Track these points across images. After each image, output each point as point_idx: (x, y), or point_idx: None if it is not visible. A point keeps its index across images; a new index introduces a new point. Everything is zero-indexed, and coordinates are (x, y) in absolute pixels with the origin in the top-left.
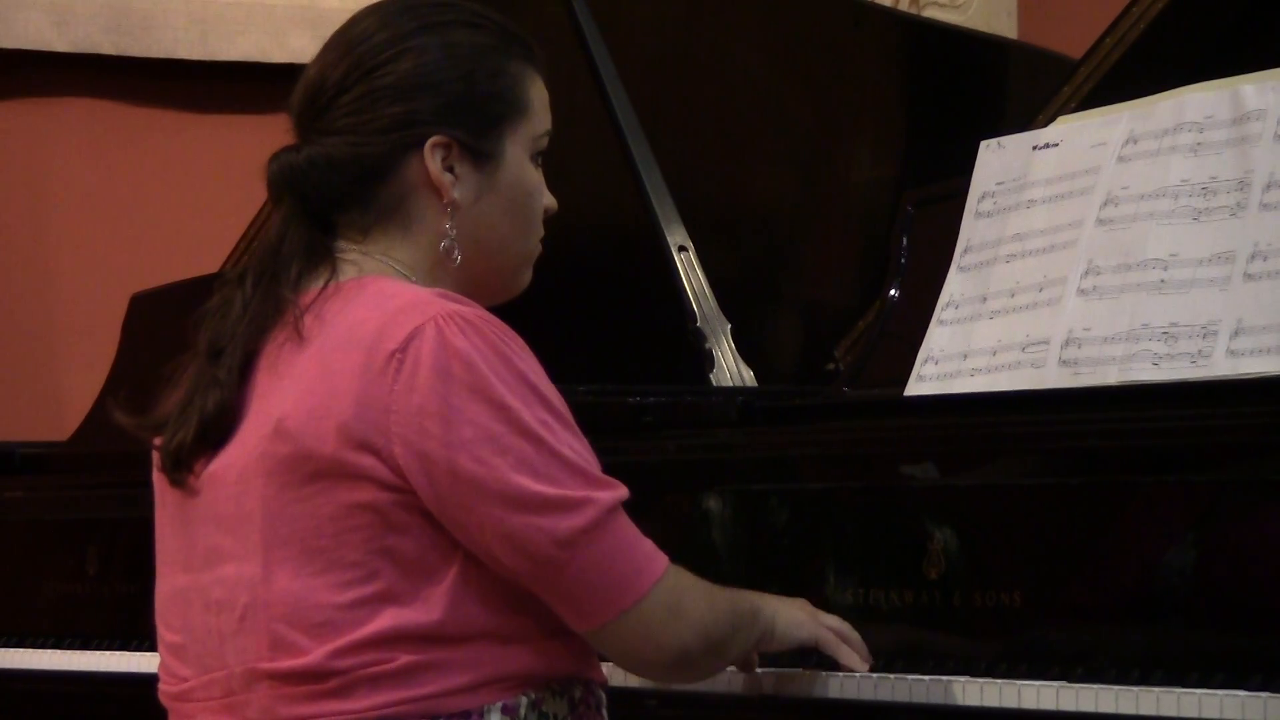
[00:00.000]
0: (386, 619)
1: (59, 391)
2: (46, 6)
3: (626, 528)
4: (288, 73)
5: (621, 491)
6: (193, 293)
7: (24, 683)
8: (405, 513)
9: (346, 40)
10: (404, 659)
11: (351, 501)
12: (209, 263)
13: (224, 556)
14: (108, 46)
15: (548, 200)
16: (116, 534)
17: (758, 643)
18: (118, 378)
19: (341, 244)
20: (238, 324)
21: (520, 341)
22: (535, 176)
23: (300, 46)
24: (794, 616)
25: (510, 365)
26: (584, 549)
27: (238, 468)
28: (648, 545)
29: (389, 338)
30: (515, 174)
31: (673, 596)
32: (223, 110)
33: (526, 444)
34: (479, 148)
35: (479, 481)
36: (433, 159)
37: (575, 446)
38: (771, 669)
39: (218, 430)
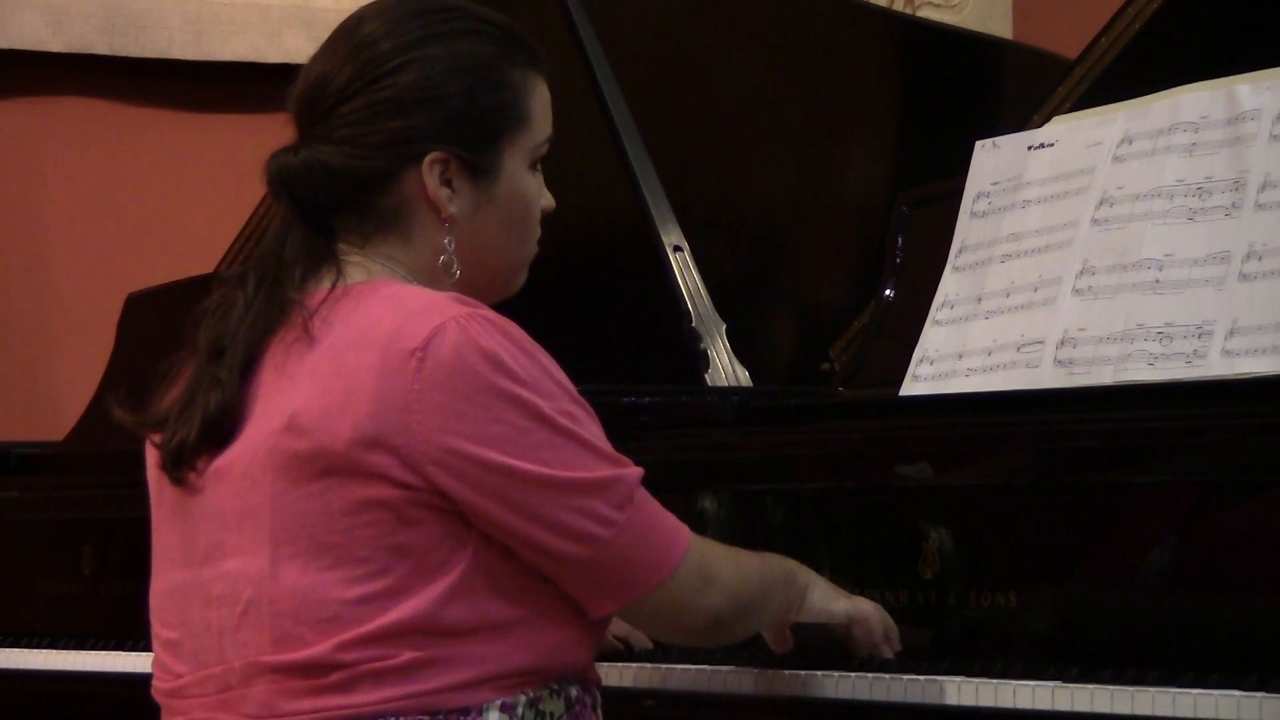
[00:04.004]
0: (393, 615)
1: (54, 391)
2: (41, 6)
3: (652, 502)
4: (282, 73)
5: (640, 469)
6: (188, 292)
7: (19, 682)
8: (417, 509)
9: (352, 43)
10: (407, 655)
11: (364, 498)
12: (204, 262)
13: (227, 552)
14: (102, 46)
15: (545, 201)
16: (112, 534)
17: (790, 609)
18: (113, 378)
19: (343, 246)
20: (240, 324)
21: (535, 342)
22: (533, 185)
23: (295, 46)
24: (828, 590)
25: (535, 361)
26: (622, 526)
27: (243, 464)
28: (671, 517)
29: (407, 337)
30: (513, 185)
31: (702, 562)
32: (218, 110)
33: (556, 436)
34: (477, 163)
35: (515, 476)
36: (430, 175)
37: (598, 433)
38: (767, 669)
39: (220, 429)
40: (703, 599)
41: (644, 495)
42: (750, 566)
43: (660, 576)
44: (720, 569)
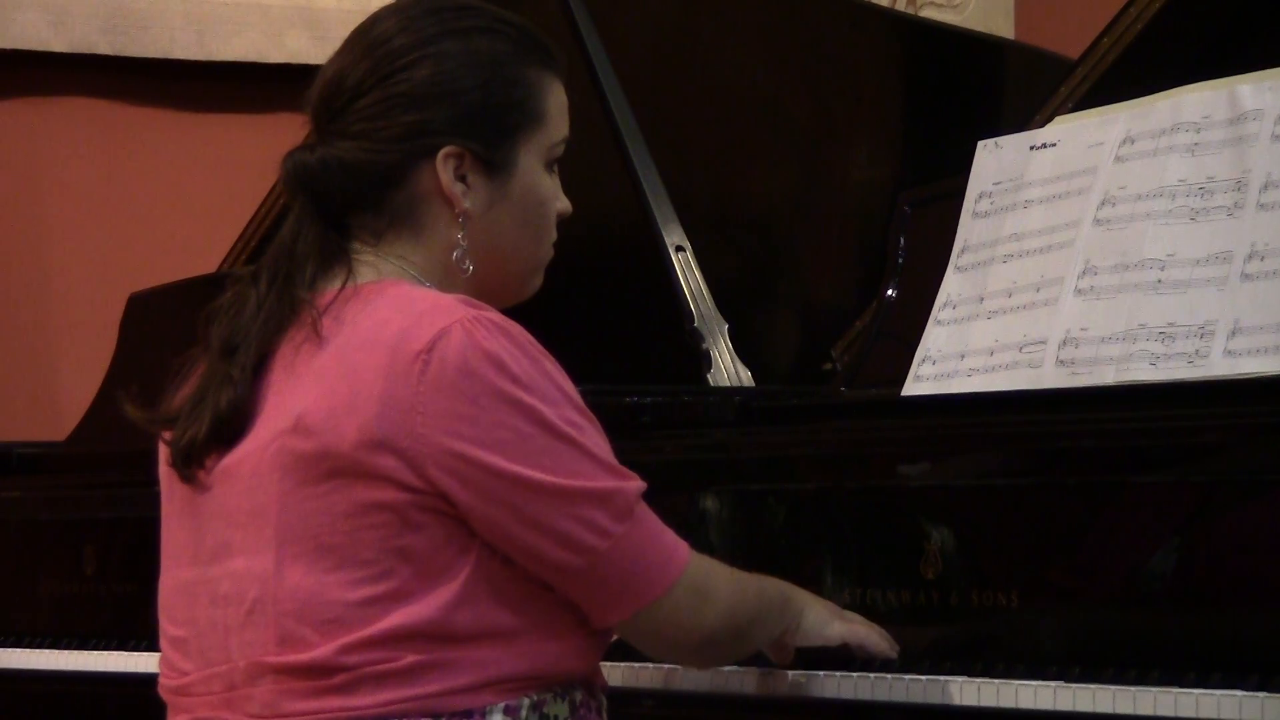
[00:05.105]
0: (396, 618)
1: (56, 391)
2: (44, 6)
3: (652, 517)
4: (284, 73)
5: (642, 483)
6: (190, 292)
7: (21, 683)
8: (422, 513)
9: (367, 41)
10: (411, 658)
11: (368, 500)
12: (206, 263)
13: (234, 551)
14: (105, 46)
15: (561, 205)
16: (113, 534)
17: (785, 633)
18: (115, 378)
19: (356, 245)
20: (252, 322)
21: (540, 346)
22: (548, 184)
23: (297, 46)
24: (823, 614)
25: (540, 367)
26: (620, 538)
27: (251, 463)
28: (671, 533)
29: (414, 339)
30: (528, 183)
31: (700, 581)
32: (220, 110)
33: (559, 444)
34: (492, 158)
35: (516, 481)
36: (445, 169)
37: (600, 444)
38: (768, 669)
39: (230, 427)
40: (698, 617)
41: (644, 510)
42: (748, 588)
43: (655, 592)
44: (718, 588)
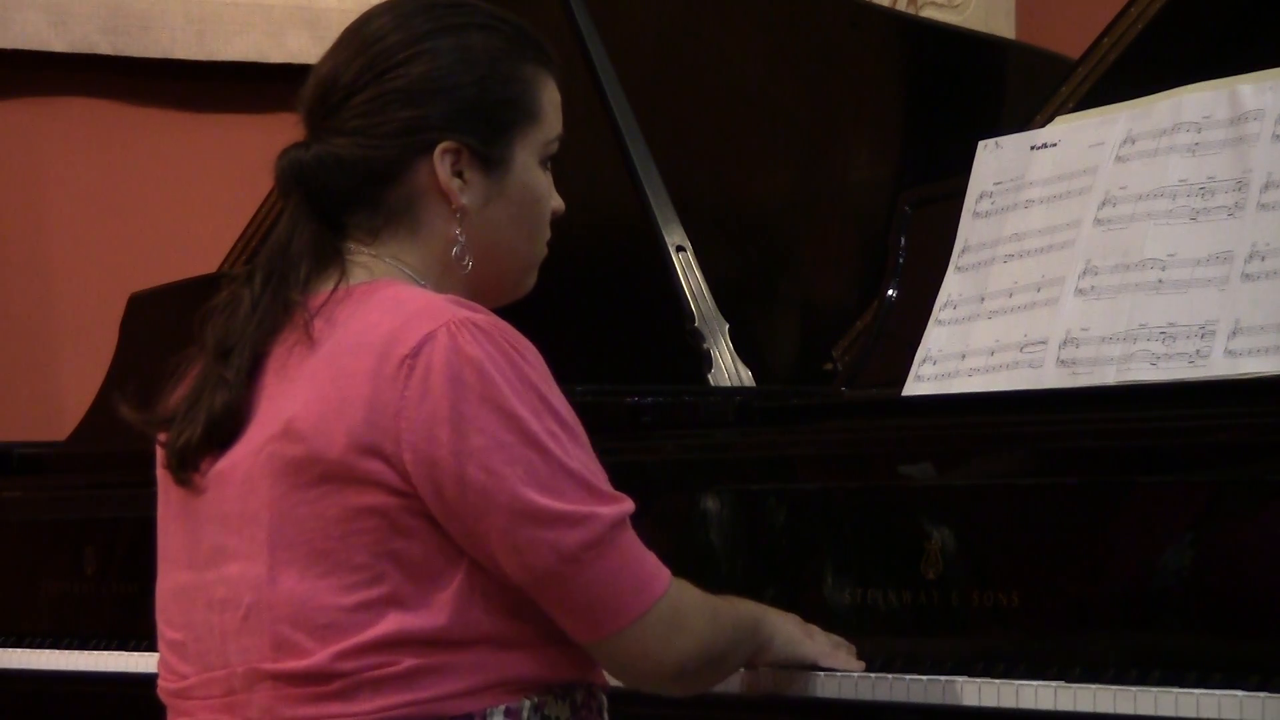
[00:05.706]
0: (391, 622)
1: (57, 391)
2: (44, 6)
3: (631, 544)
4: (285, 73)
5: (626, 506)
6: (191, 292)
7: (22, 683)
8: (412, 517)
9: (361, 38)
10: (408, 662)
11: (359, 505)
12: (207, 262)
13: (228, 556)
14: (105, 46)
15: (556, 203)
16: (114, 534)
17: (755, 654)
18: (116, 378)
19: (351, 245)
20: (246, 323)
21: (533, 350)
22: (544, 181)
23: (298, 46)
24: (792, 634)
25: (522, 374)
26: (587, 564)
27: (244, 468)
28: (651, 561)
29: (401, 343)
30: (524, 180)
31: (674, 612)
32: (220, 110)
33: (535, 455)
34: (488, 154)
35: (486, 491)
36: (442, 165)
37: (583, 459)
38: (769, 669)
39: (224, 430)
40: (670, 648)
41: (623, 535)
42: (723, 618)
43: (623, 621)
44: (692, 620)
